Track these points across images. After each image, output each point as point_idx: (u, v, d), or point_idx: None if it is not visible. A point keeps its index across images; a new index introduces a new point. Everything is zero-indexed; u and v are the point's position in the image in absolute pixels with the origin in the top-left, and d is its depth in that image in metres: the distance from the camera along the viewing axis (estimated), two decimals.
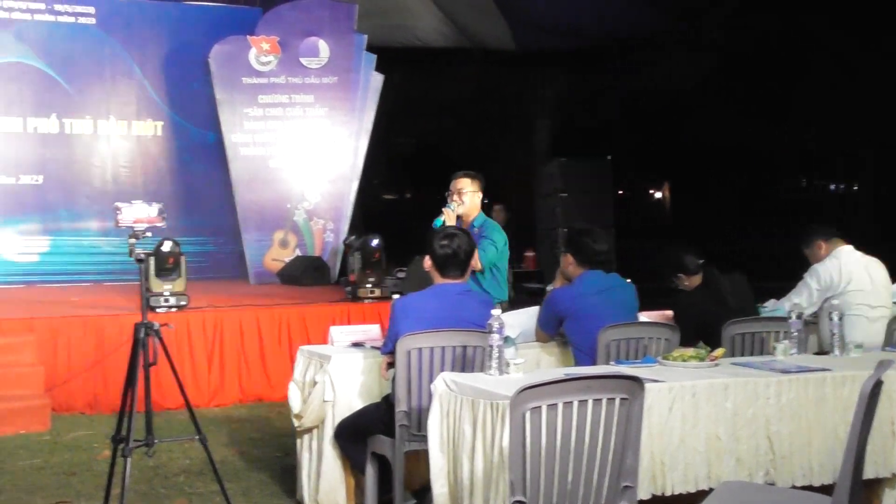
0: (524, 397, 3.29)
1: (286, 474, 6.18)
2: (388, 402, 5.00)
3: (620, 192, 16.50)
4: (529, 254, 12.61)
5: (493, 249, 6.43)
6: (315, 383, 5.44)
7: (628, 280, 5.81)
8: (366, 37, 12.40)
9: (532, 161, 15.84)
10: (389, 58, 12.60)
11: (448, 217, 6.40)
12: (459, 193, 6.60)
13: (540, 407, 3.29)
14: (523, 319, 5.80)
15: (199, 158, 12.62)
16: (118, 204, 4.22)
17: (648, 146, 14.68)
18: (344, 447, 5.31)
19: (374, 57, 12.37)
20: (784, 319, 5.46)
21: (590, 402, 3.35)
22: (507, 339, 4.37)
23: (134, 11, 12.55)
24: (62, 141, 12.18)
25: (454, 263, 4.97)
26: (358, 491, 5.37)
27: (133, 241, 4.12)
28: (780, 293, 6.70)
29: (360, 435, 5.21)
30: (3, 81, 11.89)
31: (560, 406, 3.31)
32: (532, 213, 15.11)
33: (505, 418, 3.54)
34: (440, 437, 4.14)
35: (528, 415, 3.30)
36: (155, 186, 12.09)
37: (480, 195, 6.76)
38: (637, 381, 3.45)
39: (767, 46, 12.49)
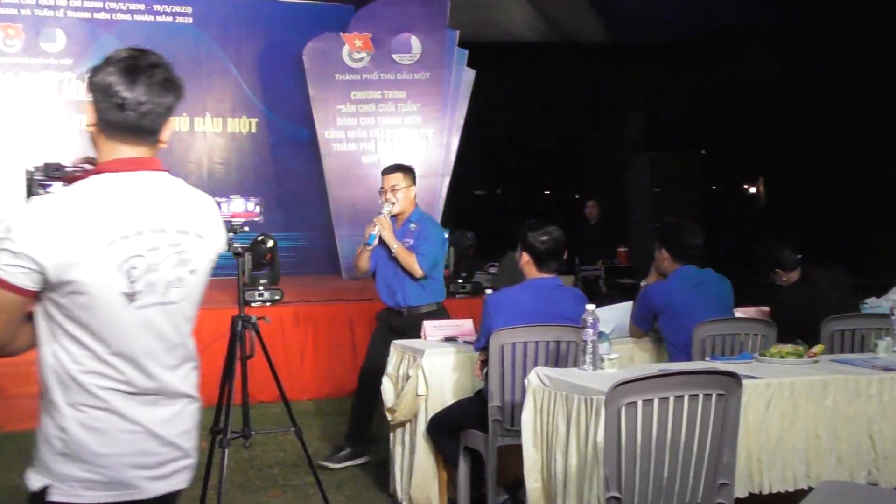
0: (620, 392, 3.27)
1: (378, 468, 6.22)
2: (480, 397, 5.01)
3: (713, 186, 16.19)
4: (622, 249, 12.49)
5: (433, 252, 6.26)
6: (408, 378, 5.46)
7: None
8: (458, 32, 12.38)
9: (624, 155, 15.68)
10: (481, 53, 12.57)
11: (382, 225, 6.09)
12: (392, 190, 6.23)
13: (636, 402, 3.28)
14: (617, 315, 5.76)
15: (292, 155, 12.73)
16: (217, 199, 4.30)
17: (743, 139, 14.35)
18: (436, 441, 5.33)
19: (465, 52, 12.35)
20: (886, 316, 5.31)
21: (686, 399, 3.32)
22: (601, 335, 4.35)
23: (229, 10, 12.71)
24: None
25: (554, 257, 4.95)
26: (450, 485, 5.39)
27: (231, 235, 4.19)
28: (880, 290, 6.53)
29: (452, 429, 5.24)
30: None
31: (656, 402, 3.29)
32: (624, 207, 14.97)
33: (599, 413, 3.52)
34: (534, 433, 4.13)
35: (623, 410, 3.28)
36: (249, 183, 12.24)
37: (415, 189, 6.41)
38: (734, 378, 3.41)
39: (864, 33, 12.14)
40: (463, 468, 5.17)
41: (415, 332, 5.80)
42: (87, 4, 12.13)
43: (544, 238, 4.91)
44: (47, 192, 2.34)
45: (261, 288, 8.48)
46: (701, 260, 5.58)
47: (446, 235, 6.66)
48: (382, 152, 12.19)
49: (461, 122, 12.34)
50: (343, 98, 12.26)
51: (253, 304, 8.32)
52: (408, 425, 5.50)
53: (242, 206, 4.29)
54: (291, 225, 12.13)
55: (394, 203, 6.14)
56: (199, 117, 12.51)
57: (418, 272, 6.05)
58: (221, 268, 9.82)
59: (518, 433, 4.27)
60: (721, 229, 13.50)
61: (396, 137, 12.24)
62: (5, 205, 10.56)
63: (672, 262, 5.51)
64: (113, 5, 12.16)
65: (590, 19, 13.19)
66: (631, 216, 14.84)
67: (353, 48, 12.29)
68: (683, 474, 3.35)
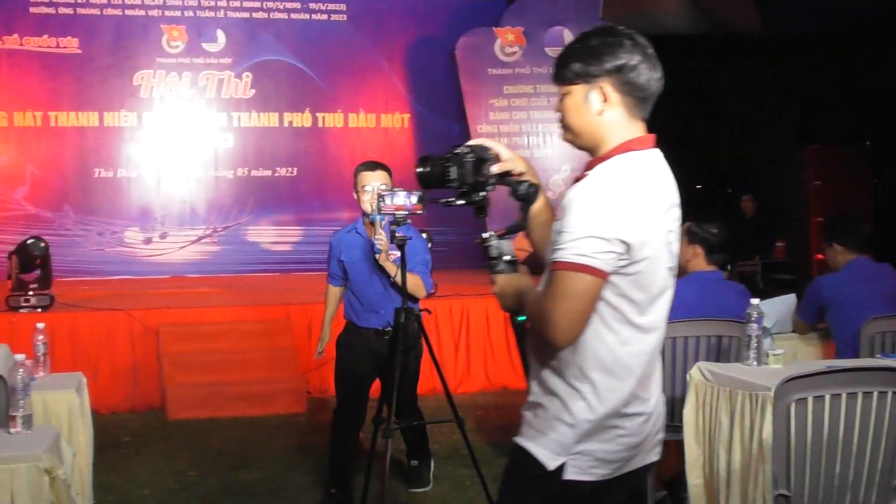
0: (789, 388, 3.22)
1: None
2: None
3: (876, 179, 15.63)
4: (779, 244, 12.20)
5: (428, 264, 5.42)
6: None
7: None
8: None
9: (781, 148, 15.28)
10: None
11: (382, 242, 5.00)
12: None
13: (806, 399, 3.22)
14: (776, 309, 5.63)
15: (445, 149, 12.80)
16: (381, 192, 4.41)
17: None
18: None
19: None
20: None
21: (859, 396, 3.25)
22: (764, 330, 4.27)
23: (383, 7, 12.92)
24: (315, 134, 12.70)
25: (724, 248, 4.91)
26: None
27: (394, 227, 4.29)
28: None
29: None
30: (263, 78, 12.50)
31: (827, 398, 3.23)
32: (780, 202, 14.59)
33: (765, 409, 3.48)
34: (696, 428, 4.11)
35: (793, 406, 3.23)
36: (402, 178, 12.38)
37: None
38: None
39: None
40: None
41: (407, 353, 4.99)
42: (245, 4, 12.51)
43: (716, 230, 4.88)
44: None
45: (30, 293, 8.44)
46: (874, 253, 5.43)
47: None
48: (534, 147, 12.22)
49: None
50: (495, 92, 12.33)
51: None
52: None
53: (405, 200, 4.37)
54: (444, 220, 12.24)
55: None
56: (353, 113, 12.77)
57: (423, 294, 5.21)
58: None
59: (678, 428, 4.24)
60: (890, 223, 13.01)
61: (548, 131, 12.20)
62: None
63: (846, 253, 5.38)
64: (270, 4, 12.51)
65: (745, 9, 12.90)
66: (788, 211, 14.46)
67: (506, 42, 12.35)
68: (856, 474, 3.28)
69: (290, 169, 12.56)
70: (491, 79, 12.35)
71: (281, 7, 12.58)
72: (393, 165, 12.60)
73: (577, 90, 2.52)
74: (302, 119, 12.62)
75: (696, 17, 13.52)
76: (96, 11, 12.14)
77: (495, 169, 2.73)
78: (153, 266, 12.03)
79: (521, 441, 2.53)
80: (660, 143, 2.59)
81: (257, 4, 12.52)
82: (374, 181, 5.23)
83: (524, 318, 2.60)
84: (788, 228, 13.88)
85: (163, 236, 12.22)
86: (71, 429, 4.56)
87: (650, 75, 2.48)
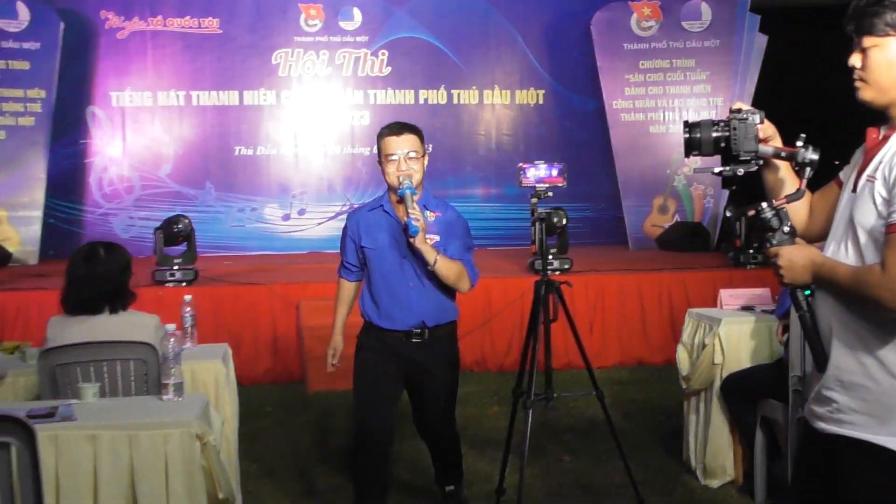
0: None
1: (669, 437, 6.20)
2: (780, 365, 4.86)
3: None
4: None
5: (471, 255, 4.48)
6: (704, 346, 5.42)
7: None
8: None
9: None
10: (774, 18, 12.12)
11: (419, 220, 4.08)
12: (409, 159, 4.27)
13: None
14: None
15: (579, 126, 12.76)
16: (522, 164, 4.38)
17: None
18: (731, 402, 5.25)
19: (757, 18, 11.97)
20: None
21: None
22: None
23: None
24: (450, 111, 12.75)
25: None
26: (746, 456, 5.28)
27: (535, 200, 4.26)
28: None
29: (748, 396, 5.14)
30: (399, 56, 12.60)
31: None
32: None
33: None
34: None
35: None
36: (536, 154, 12.33)
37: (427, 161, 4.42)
38: None
39: None
40: (759, 438, 5.06)
41: (439, 358, 4.39)
42: None
43: None
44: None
45: (550, 256, 8.48)
46: None
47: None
48: (670, 122, 12.04)
49: (752, 90, 11.94)
50: (631, 68, 12.20)
51: None
52: (703, 394, 5.46)
53: (547, 172, 4.35)
54: (579, 196, 12.17)
55: (409, 175, 4.19)
56: (487, 90, 12.79)
57: (466, 286, 4.31)
58: (506, 238, 9.98)
59: None
60: None
61: (685, 106, 12.02)
62: None
63: None
64: None
65: None
66: None
67: (642, 17, 12.19)
68: None
69: (426, 144, 12.62)
70: (627, 54, 12.20)
71: None
72: (527, 142, 12.62)
73: (891, 42, 2.43)
74: (437, 96, 12.69)
75: None
76: None
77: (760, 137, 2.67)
78: (291, 242, 12.24)
79: (858, 433, 2.45)
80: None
81: None
82: (401, 148, 4.22)
83: (810, 291, 2.54)
84: None
85: (301, 212, 12.44)
86: (218, 397, 4.69)
87: None
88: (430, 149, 4.35)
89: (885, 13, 2.41)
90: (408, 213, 4.00)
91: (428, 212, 4.18)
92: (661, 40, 12.20)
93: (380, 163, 4.33)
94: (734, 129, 2.61)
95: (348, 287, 4.66)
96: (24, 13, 11.30)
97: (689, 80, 12.09)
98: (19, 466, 2.80)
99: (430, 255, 4.01)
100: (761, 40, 11.96)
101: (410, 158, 4.18)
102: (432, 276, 4.16)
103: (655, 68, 12.17)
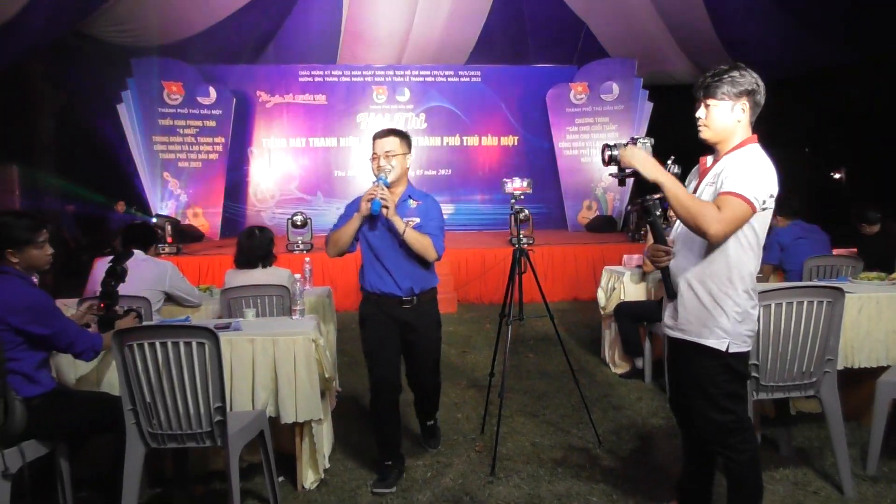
0: (760, 298, 3.13)
1: (593, 343, 6.22)
2: (661, 303, 4.84)
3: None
4: None
5: (442, 230, 3.46)
6: (614, 289, 5.44)
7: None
8: (642, 79, 11.96)
9: None
10: (657, 92, 12.02)
11: (386, 199, 3.21)
12: (387, 156, 3.35)
13: (770, 304, 3.12)
14: None
15: (539, 158, 12.40)
16: (504, 179, 4.35)
17: None
18: (619, 321, 5.25)
19: (646, 92, 11.89)
20: None
21: (804, 303, 3.15)
22: None
23: (502, 73, 12.72)
24: (462, 149, 12.67)
25: None
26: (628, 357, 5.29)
27: (513, 201, 4.22)
28: None
29: (637, 318, 5.11)
30: (432, 116, 12.54)
31: (784, 305, 3.13)
32: None
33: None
34: None
35: (760, 310, 3.14)
36: (513, 173, 12.25)
37: (410, 159, 3.46)
38: (839, 291, 3.20)
39: None
40: (647, 346, 5.09)
41: (427, 319, 3.49)
42: (421, 73, 12.59)
43: None
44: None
45: (522, 235, 8.46)
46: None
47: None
48: (594, 156, 11.98)
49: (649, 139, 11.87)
50: (570, 122, 12.14)
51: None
52: (612, 318, 5.47)
53: (520, 183, 4.30)
54: (538, 199, 12.06)
55: (388, 170, 3.32)
56: (483, 136, 12.68)
57: (433, 255, 3.35)
58: (494, 225, 9.75)
59: None
60: None
61: (596, 147, 11.89)
62: None
63: (785, 219, 5.25)
64: (436, 73, 12.57)
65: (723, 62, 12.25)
66: None
67: (577, 92, 12.12)
68: (802, 352, 3.19)
69: (447, 170, 12.64)
70: (567, 114, 12.13)
71: (441, 74, 12.61)
72: (503, 173, 12.63)
73: (725, 104, 2.43)
74: (454, 140, 12.65)
75: (695, 72, 12.99)
76: (335, 79, 12.39)
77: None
78: None
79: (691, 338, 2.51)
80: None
81: (427, 73, 12.57)
82: (381, 147, 3.35)
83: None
84: None
85: None
86: (325, 317, 4.70)
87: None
88: (410, 157, 3.43)
89: (723, 85, 2.41)
90: (378, 194, 3.17)
91: (411, 200, 3.38)
92: (588, 106, 12.12)
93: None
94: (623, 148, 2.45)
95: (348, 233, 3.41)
96: (213, 93, 11.36)
97: (604, 129, 12.02)
98: (209, 357, 2.85)
99: (399, 225, 3.22)
100: (649, 105, 11.90)
101: (388, 155, 3.31)
102: (409, 251, 3.31)
103: (584, 122, 12.10)
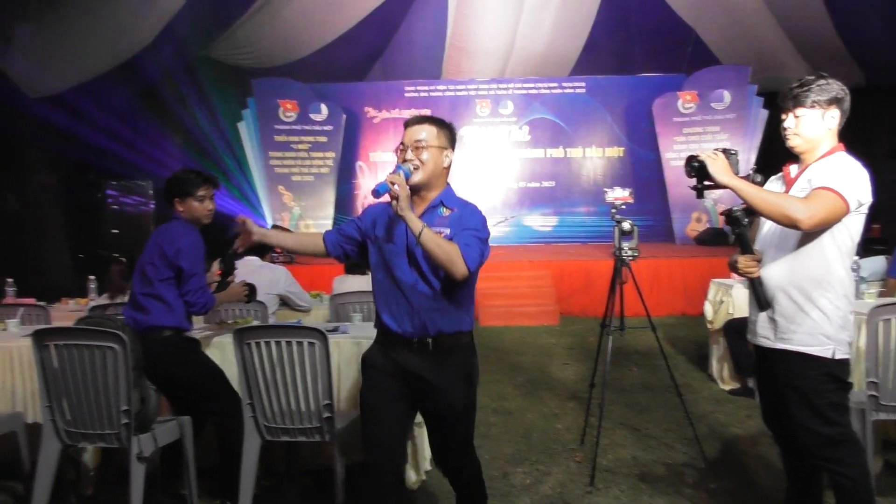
0: (877, 312, 3.00)
1: (701, 358, 6.07)
2: None
3: None
4: (875, 226, 11.03)
5: (480, 244, 2.38)
6: (722, 302, 5.31)
7: None
8: (756, 86, 11.52)
9: None
10: (773, 98, 11.51)
11: (400, 188, 2.24)
12: (416, 148, 2.44)
13: (889, 319, 3.00)
14: (872, 265, 5.13)
15: (645, 169, 12.24)
16: (605, 189, 4.33)
17: None
18: (729, 338, 5.10)
19: (761, 98, 11.44)
20: None
21: None
22: (862, 277, 3.94)
23: (608, 83, 12.57)
24: (565, 161, 12.58)
25: None
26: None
27: (614, 211, 4.20)
28: None
29: (746, 333, 4.94)
30: (535, 129, 12.56)
31: None
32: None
33: (861, 327, 3.33)
34: None
35: (880, 324, 3.04)
36: (617, 185, 12.13)
37: (451, 156, 2.51)
38: None
39: None
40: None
41: (448, 373, 2.42)
42: (524, 86, 12.65)
43: None
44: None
45: (626, 248, 8.34)
46: None
47: (488, 235, 2.46)
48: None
49: (757, 145, 11.40)
50: (677, 132, 11.86)
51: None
52: (720, 332, 5.33)
53: (621, 193, 4.26)
54: (645, 211, 11.83)
55: (416, 166, 2.42)
56: (587, 147, 12.53)
57: (461, 268, 2.28)
58: (598, 237, 9.70)
59: None
60: None
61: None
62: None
63: None
64: (539, 85, 12.59)
65: (849, 68, 11.59)
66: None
67: (685, 101, 11.84)
68: None
69: (550, 182, 12.61)
70: (675, 124, 11.86)
71: (545, 86, 12.61)
72: (607, 185, 12.46)
73: (814, 112, 2.43)
74: (557, 152, 12.61)
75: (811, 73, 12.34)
76: (439, 93, 12.65)
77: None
78: None
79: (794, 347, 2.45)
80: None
81: (531, 85, 12.62)
82: (409, 136, 2.46)
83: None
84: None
85: None
86: None
87: None
88: (451, 154, 2.51)
89: (812, 94, 2.42)
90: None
91: (443, 208, 2.46)
92: (697, 115, 11.79)
93: None
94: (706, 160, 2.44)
95: (314, 234, 2.68)
96: (324, 110, 11.92)
97: (715, 139, 11.61)
98: (319, 356, 3.02)
99: (414, 224, 2.25)
100: (764, 113, 11.44)
101: (418, 146, 2.43)
102: (432, 273, 2.38)
103: (693, 132, 11.76)
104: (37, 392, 3.23)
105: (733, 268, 2.54)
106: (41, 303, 4.96)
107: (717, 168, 2.39)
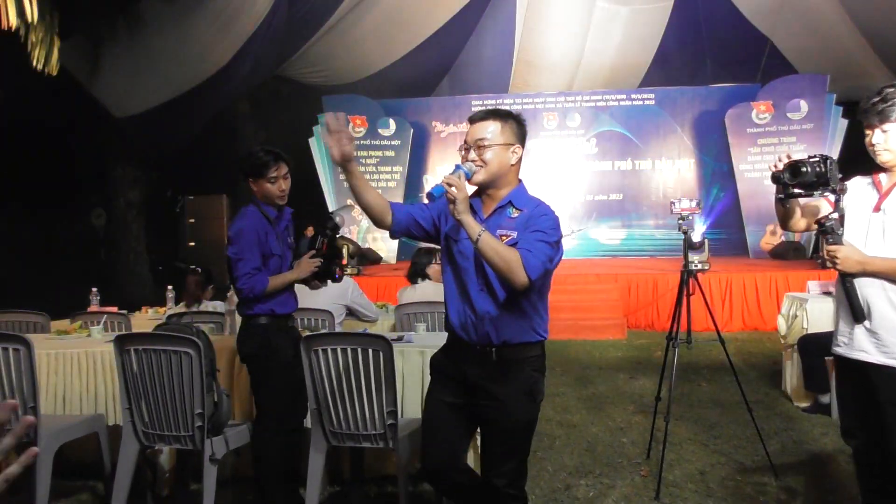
0: None
1: (774, 374, 5.90)
2: None
3: None
4: None
5: (547, 249, 2.17)
6: (796, 316, 5.15)
7: None
8: (835, 95, 11.12)
9: None
10: (853, 107, 11.09)
11: (457, 189, 2.07)
12: (479, 147, 2.27)
13: None
14: None
15: (716, 181, 12.03)
16: (671, 200, 4.26)
17: None
18: (803, 353, 4.93)
19: (840, 108, 11.03)
20: None
21: None
22: None
23: (677, 94, 12.41)
24: (634, 174, 12.46)
25: None
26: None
27: (680, 222, 4.13)
28: None
29: (823, 351, 4.79)
30: (603, 141, 12.47)
31: None
32: None
33: None
34: None
35: None
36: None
37: (519, 151, 2.34)
38: None
39: None
40: (834, 378, 4.73)
41: (510, 385, 2.27)
42: (592, 98, 12.61)
43: None
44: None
45: (695, 261, 8.20)
46: None
47: (559, 238, 2.26)
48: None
49: (836, 156, 10.94)
50: (752, 143, 11.58)
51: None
52: (794, 347, 5.16)
53: (688, 204, 4.17)
54: (717, 224, 11.63)
55: (480, 166, 2.26)
56: (657, 160, 12.40)
57: (521, 278, 2.09)
58: (665, 251, 9.56)
59: None
60: None
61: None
62: None
63: None
64: (608, 97, 12.50)
65: None
66: None
67: (759, 111, 11.53)
68: None
69: (618, 195, 12.47)
70: (749, 135, 11.56)
71: (613, 99, 12.52)
72: (681, 193, 12.28)
73: None
74: (625, 164, 12.47)
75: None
76: (506, 107, 12.68)
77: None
78: None
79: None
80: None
81: (598, 98, 12.55)
82: (472, 135, 2.30)
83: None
84: None
85: None
86: None
87: None
88: (519, 150, 2.35)
89: (895, 107, 2.36)
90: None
91: (512, 208, 2.27)
92: (772, 125, 11.48)
93: None
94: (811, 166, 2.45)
95: (384, 201, 2.40)
96: (392, 125, 12.17)
97: (791, 150, 11.23)
98: (384, 364, 3.07)
99: (472, 229, 2.08)
100: (843, 123, 11.03)
101: (481, 146, 2.26)
102: (505, 285, 2.21)
103: (768, 143, 11.45)
104: (118, 395, 3.42)
105: (832, 262, 2.41)
106: (122, 311, 5.22)
107: (851, 264, 2.37)
